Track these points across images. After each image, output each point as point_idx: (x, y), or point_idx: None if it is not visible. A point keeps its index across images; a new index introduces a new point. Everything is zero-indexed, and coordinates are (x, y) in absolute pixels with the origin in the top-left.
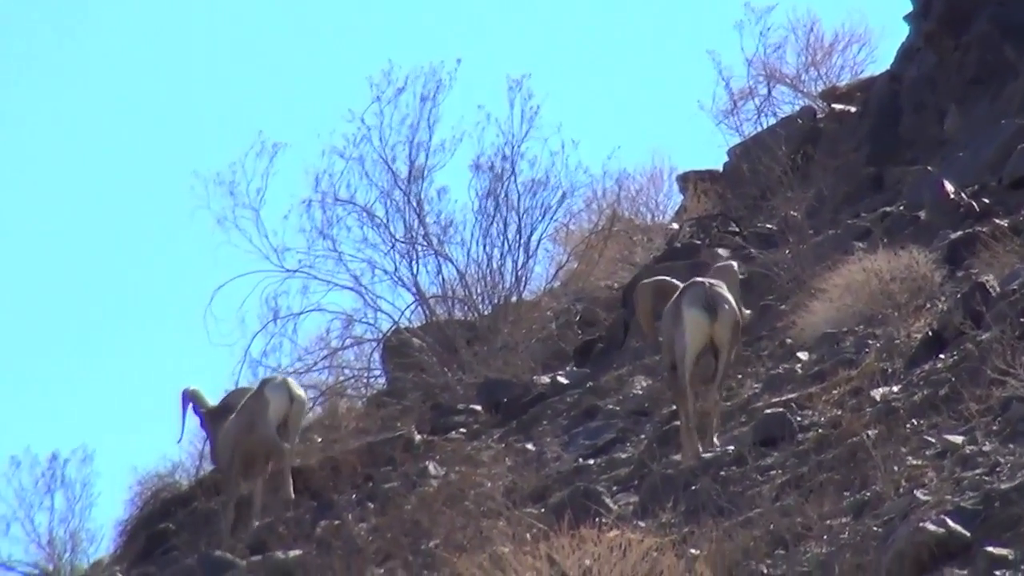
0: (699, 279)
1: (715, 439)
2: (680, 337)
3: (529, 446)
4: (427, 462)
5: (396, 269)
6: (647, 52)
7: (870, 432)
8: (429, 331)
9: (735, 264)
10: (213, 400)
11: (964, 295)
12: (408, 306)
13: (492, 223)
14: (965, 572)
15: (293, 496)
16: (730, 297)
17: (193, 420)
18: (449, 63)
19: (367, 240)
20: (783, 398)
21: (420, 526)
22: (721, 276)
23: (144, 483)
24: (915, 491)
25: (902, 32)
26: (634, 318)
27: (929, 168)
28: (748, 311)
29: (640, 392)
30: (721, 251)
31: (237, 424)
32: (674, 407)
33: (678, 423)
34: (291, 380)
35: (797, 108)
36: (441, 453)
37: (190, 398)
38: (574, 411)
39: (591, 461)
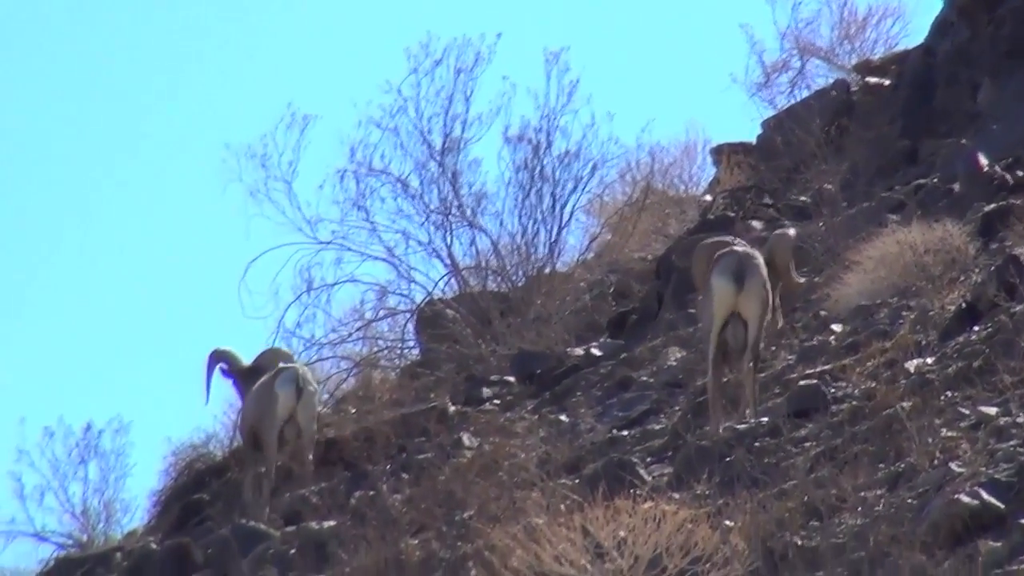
0: (735, 248)
1: (748, 411)
2: (708, 306)
3: (563, 417)
4: (461, 433)
5: (430, 240)
6: (680, 25)
7: (904, 404)
8: (463, 302)
9: (792, 231)
10: (247, 360)
11: (998, 267)
12: (442, 277)
13: (526, 194)
14: (999, 544)
15: (263, 496)
16: (763, 268)
17: (222, 382)
18: (489, 36)
19: (401, 211)
20: (817, 370)
21: (454, 497)
22: (777, 243)
23: (178, 454)
24: (949, 463)
25: (936, 6)
26: (668, 289)
27: (963, 141)
28: (803, 279)
29: (674, 364)
30: (755, 223)
31: (252, 407)
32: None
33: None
34: (303, 371)
35: (831, 81)
36: (475, 424)
37: (220, 359)
38: (608, 383)
39: (625, 432)
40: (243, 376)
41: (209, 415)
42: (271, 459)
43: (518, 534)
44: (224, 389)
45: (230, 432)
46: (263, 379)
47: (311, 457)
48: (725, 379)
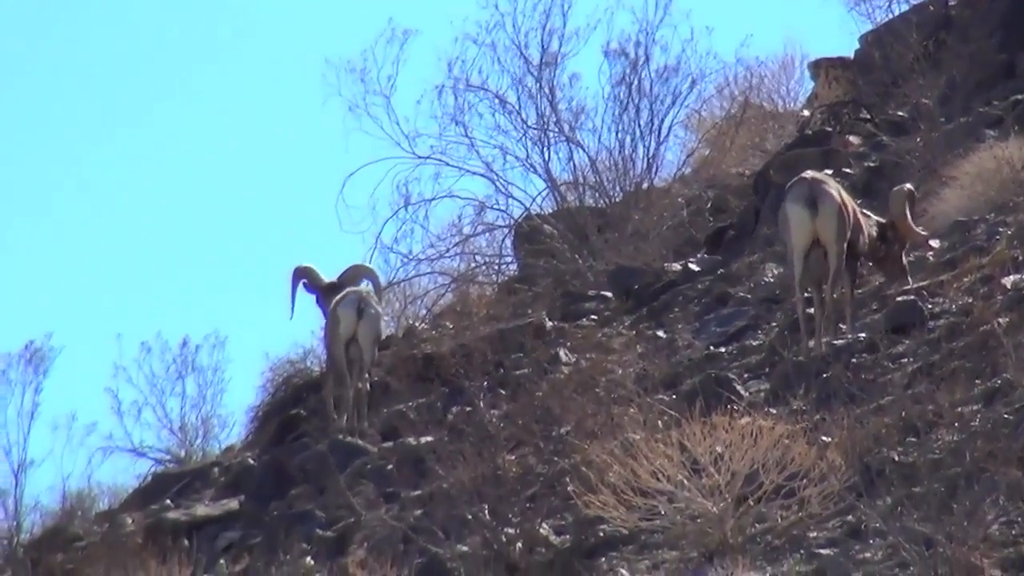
0: (806, 174)
1: (821, 337)
2: (787, 235)
3: (660, 333)
4: (558, 349)
5: (528, 155)
6: None
7: (1001, 320)
8: (560, 218)
9: (908, 186)
10: (328, 276)
11: None
12: (539, 192)
13: (624, 110)
14: None
15: (364, 424)
16: (835, 192)
17: (307, 298)
18: None
19: (499, 127)
20: (915, 285)
21: (551, 413)
22: (893, 197)
23: (276, 369)
24: None
25: None
26: (765, 205)
27: None
28: (923, 231)
29: (771, 279)
30: (852, 138)
31: (326, 327)
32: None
33: (810, 311)
34: (367, 295)
35: None
36: (572, 340)
37: (302, 275)
38: (705, 298)
39: (722, 348)
40: (325, 292)
41: (306, 331)
42: (343, 375)
43: (615, 450)
44: (312, 305)
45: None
46: (334, 301)
47: (369, 376)
48: (823, 296)
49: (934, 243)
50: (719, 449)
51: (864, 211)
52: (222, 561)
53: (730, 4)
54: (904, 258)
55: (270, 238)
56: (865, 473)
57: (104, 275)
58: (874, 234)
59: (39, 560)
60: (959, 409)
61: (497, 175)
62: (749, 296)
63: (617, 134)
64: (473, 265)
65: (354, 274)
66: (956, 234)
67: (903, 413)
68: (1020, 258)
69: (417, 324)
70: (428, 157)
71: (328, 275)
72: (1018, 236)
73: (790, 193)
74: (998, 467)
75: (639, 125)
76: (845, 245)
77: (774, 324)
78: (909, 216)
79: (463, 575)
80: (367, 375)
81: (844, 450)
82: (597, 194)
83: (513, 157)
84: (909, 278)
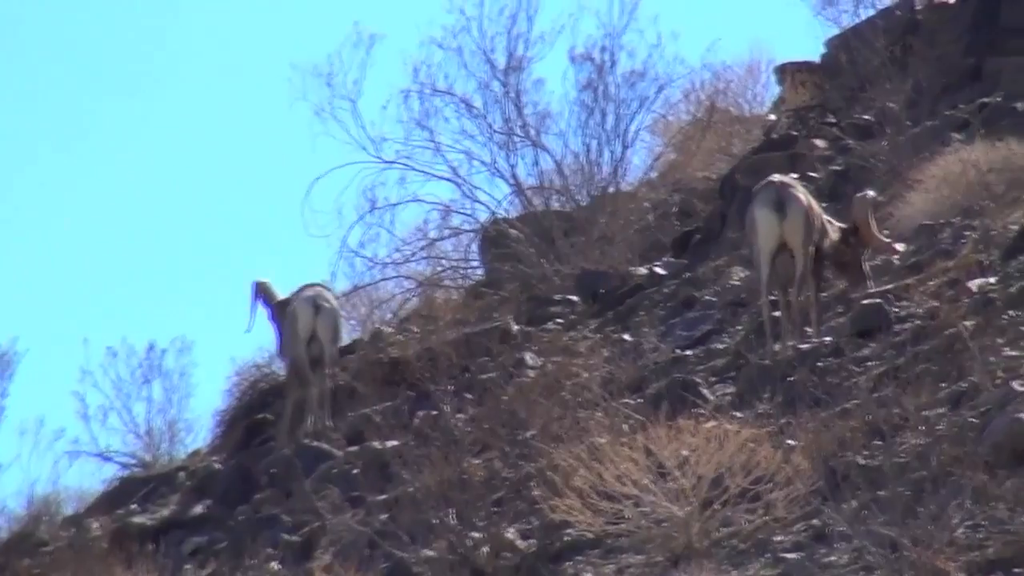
0: (773, 178)
1: (787, 340)
2: (755, 239)
3: (626, 337)
4: (524, 352)
5: (494, 160)
6: None
7: (967, 323)
8: (526, 222)
9: (871, 193)
10: (283, 293)
11: None
12: (505, 196)
13: (590, 114)
14: None
15: (328, 423)
16: (802, 196)
17: (263, 311)
18: None
19: (465, 131)
20: (880, 289)
21: (517, 417)
22: (856, 204)
23: (242, 373)
24: (1012, 382)
25: None
26: (731, 209)
27: None
28: (887, 238)
29: (737, 283)
30: (818, 142)
31: (285, 331)
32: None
33: (776, 314)
34: (322, 291)
35: None
36: (538, 343)
37: (257, 289)
38: (671, 302)
39: (688, 352)
40: (277, 308)
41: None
42: (306, 376)
43: (581, 454)
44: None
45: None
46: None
47: (332, 374)
48: (788, 300)
49: (899, 247)
50: (685, 453)
51: (827, 216)
52: (188, 566)
53: (696, 9)
54: (865, 264)
55: (236, 242)
56: (830, 477)
57: (70, 279)
58: (836, 238)
59: (5, 565)
60: (925, 413)
61: (463, 179)
62: (715, 300)
63: (583, 138)
64: (439, 269)
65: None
66: (922, 238)
67: (868, 417)
68: (986, 262)
69: (383, 328)
70: (394, 162)
71: (289, 287)
72: (984, 240)
73: (758, 197)
74: (964, 471)
75: (605, 129)
76: (812, 249)
77: (740, 328)
78: (872, 222)
79: None
80: (330, 372)
81: (810, 454)
82: (563, 198)
83: (479, 161)
84: (870, 282)
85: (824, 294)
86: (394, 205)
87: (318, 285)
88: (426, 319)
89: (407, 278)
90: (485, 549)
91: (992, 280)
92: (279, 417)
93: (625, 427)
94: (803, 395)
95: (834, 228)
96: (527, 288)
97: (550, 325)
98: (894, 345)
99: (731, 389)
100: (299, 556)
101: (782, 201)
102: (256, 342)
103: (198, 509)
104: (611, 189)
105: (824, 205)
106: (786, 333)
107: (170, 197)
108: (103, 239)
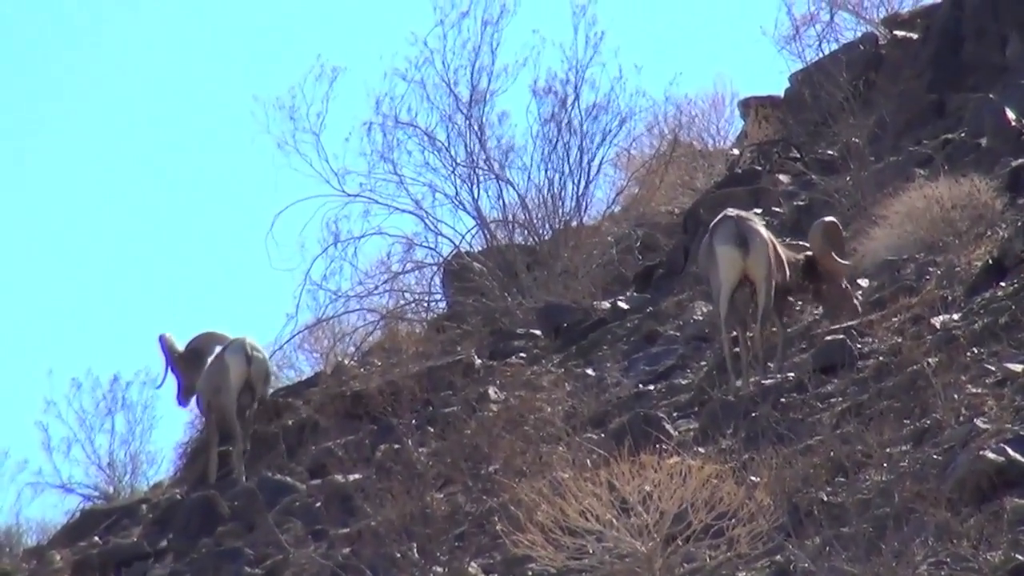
0: (730, 213)
1: (770, 364)
2: (715, 274)
3: (589, 371)
4: (487, 386)
5: (457, 193)
6: None
7: (930, 360)
8: (490, 255)
9: (829, 218)
10: (181, 345)
11: None
12: (469, 230)
13: (553, 148)
14: None
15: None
16: (762, 230)
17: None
18: None
19: (428, 164)
20: (843, 325)
21: (480, 451)
22: (812, 230)
23: None
24: (975, 419)
25: None
26: (694, 243)
27: (991, 95)
28: (846, 263)
29: (700, 318)
30: (782, 177)
31: (208, 383)
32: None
33: (737, 350)
34: (250, 341)
35: (859, 34)
36: (501, 378)
37: (164, 342)
38: (634, 336)
39: (651, 387)
40: (178, 360)
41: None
42: (233, 427)
43: (543, 488)
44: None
45: None
46: (215, 355)
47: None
48: (750, 335)
49: (863, 282)
50: (648, 488)
51: (797, 243)
52: None
53: (660, 42)
54: (849, 289)
55: (200, 275)
56: (794, 513)
57: (35, 311)
58: (799, 269)
59: None
60: (888, 449)
61: (426, 212)
62: (678, 335)
63: (546, 172)
64: (402, 302)
65: (206, 340)
66: (885, 273)
67: (831, 453)
68: (949, 298)
69: (346, 361)
70: (357, 195)
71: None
72: (947, 276)
73: (717, 232)
74: (927, 508)
75: (568, 163)
76: (774, 282)
77: (703, 363)
78: (830, 249)
79: None
80: (250, 429)
81: (773, 490)
82: (526, 232)
83: (442, 194)
84: (858, 307)
85: (788, 329)
86: (357, 238)
87: (216, 338)
88: (389, 352)
89: (370, 311)
90: None
91: (956, 317)
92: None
93: (588, 462)
94: (766, 431)
95: (799, 258)
96: (490, 322)
97: (513, 359)
98: (857, 381)
99: (694, 424)
100: None
101: (744, 235)
102: None
103: (161, 541)
104: (574, 223)
105: (787, 240)
106: (747, 369)
107: (134, 230)
108: (69, 270)
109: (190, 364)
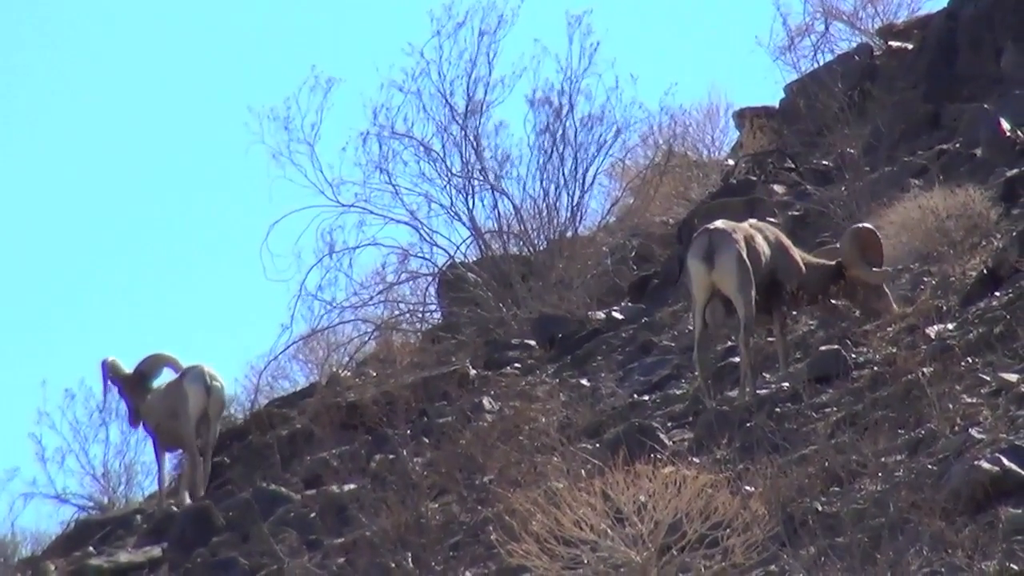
0: (710, 225)
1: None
2: (689, 289)
3: (584, 381)
4: (482, 397)
5: (452, 203)
6: None
7: (925, 370)
8: (484, 266)
9: (863, 225)
10: (128, 368)
11: (1020, 233)
12: (464, 241)
13: (548, 158)
14: (1020, 511)
15: (202, 493)
16: (739, 243)
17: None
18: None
19: (423, 174)
20: (837, 334)
21: (474, 461)
22: (843, 238)
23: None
24: (970, 429)
25: None
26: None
27: (985, 106)
28: (875, 273)
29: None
30: (777, 187)
31: (163, 407)
32: (728, 344)
33: (734, 360)
34: (208, 369)
35: (854, 45)
36: (496, 388)
37: (107, 367)
38: (629, 347)
39: (646, 397)
40: (125, 382)
41: (230, 379)
42: (194, 455)
43: (538, 498)
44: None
45: (251, 396)
46: (172, 380)
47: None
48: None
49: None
50: (642, 498)
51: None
52: None
53: (655, 53)
54: (884, 289)
55: (195, 286)
56: (788, 523)
57: (28, 321)
58: (828, 274)
59: None
60: (883, 459)
61: (421, 223)
62: (673, 345)
63: (542, 183)
64: (397, 313)
65: (153, 363)
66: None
67: (826, 463)
68: (944, 308)
69: (340, 372)
70: (352, 205)
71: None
72: (942, 286)
73: (691, 246)
74: (922, 517)
75: (563, 174)
76: (753, 292)
77: (698, 373)
78: (860, 256)
79: None
80: (210, 453)
81: (767, 500)
82: (521, 242)
83: (438, 205)
84: (893, 306)
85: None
86: (352, 249)
87: (164, 359)
88: (383, 363)
89: (365, 321)
90: None
91: (950, 327)
92: (240, 458)
93: (583, 472)
94: (761, 441)
95: (817, 263)
96: (485, 332)
97: (508, 369)
98: (852, 391)
99: (689, 434)
100: None
101: (712, 250)
102: None
103: (155, 552)
104: (569, 233)
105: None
106: (744, 379)
107: (129, 240)
108: (62, 281)
109: (137, 387)
